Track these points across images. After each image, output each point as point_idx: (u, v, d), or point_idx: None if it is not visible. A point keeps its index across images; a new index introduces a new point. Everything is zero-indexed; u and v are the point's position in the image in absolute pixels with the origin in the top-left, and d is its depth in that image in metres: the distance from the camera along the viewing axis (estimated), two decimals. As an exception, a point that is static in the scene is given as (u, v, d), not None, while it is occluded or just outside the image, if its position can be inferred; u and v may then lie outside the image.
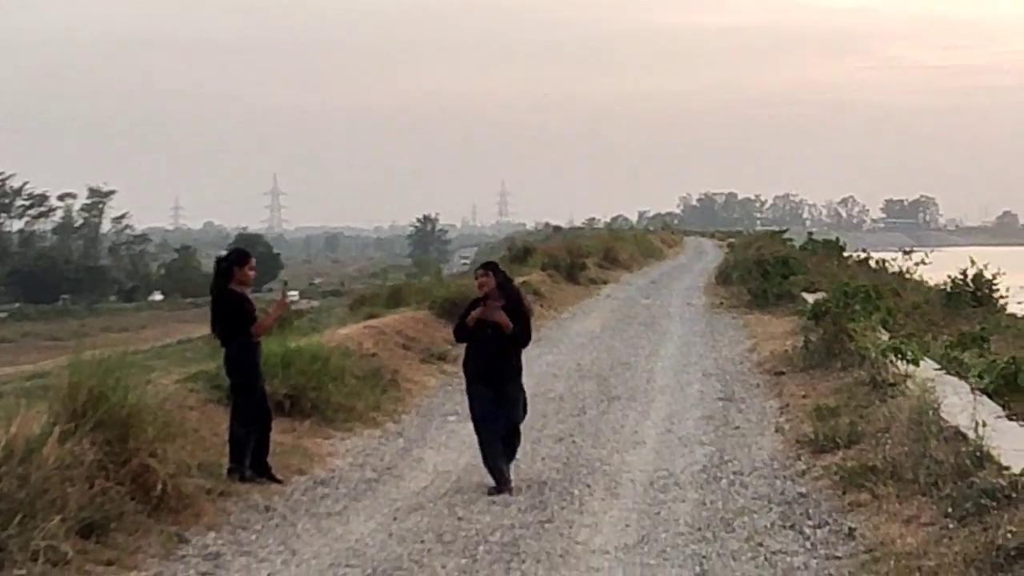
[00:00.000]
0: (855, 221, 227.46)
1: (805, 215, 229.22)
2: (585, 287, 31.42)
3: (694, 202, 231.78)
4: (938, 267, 25.40)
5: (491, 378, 9.58)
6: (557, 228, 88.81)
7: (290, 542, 7.99)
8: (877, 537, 7.56)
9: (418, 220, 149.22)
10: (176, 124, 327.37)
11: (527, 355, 9.99)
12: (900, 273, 27.46)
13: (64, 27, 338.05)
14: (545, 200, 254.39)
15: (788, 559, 7.47)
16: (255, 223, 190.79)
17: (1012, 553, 6.53)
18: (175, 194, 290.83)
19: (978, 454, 8.05)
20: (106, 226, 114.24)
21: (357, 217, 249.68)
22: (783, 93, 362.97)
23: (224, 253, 10.28)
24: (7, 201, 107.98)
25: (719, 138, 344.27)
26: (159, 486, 7.96)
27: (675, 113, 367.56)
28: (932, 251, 27.29)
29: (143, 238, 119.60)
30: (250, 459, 9.40)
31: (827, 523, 8.17)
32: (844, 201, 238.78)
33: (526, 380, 9.94)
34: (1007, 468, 7.70)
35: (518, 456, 9.85)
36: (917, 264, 26.55)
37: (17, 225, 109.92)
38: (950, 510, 7.49)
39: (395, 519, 8.57)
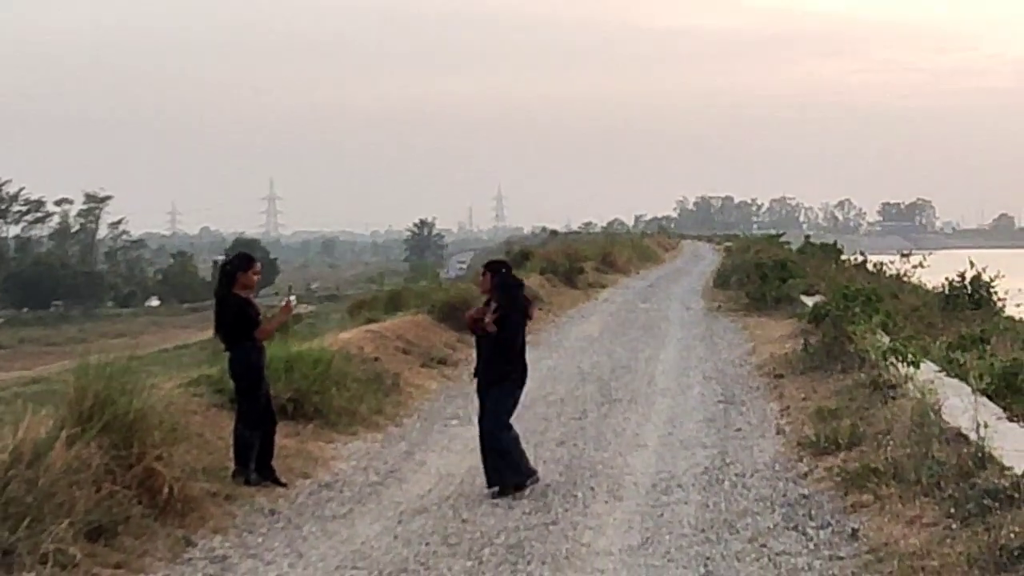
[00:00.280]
0: (851, 224, 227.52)
1: (801, 218, 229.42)
2: (583, 291, 31.47)
3: (690, 206, 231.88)
4: (935, 270, 25.41)
5: (479, 382, 9.67)
6: (554, 232, 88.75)
7: (296, 545, 8.03)
8: (880, 538, 7.60)
9: (414, 225, 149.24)
10: (173, 130, 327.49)
11: (527, 358, 10.01)
12: (898, 276, 27.52)
13: (60, 31, 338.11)
14: (541, 204, 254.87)
15: (792, 560, 7.51)
16: (251, 228, 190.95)
17: (1015, 553, 6.58)
18: (171, 199, 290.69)
19: (980, 455, 8.09)
20: (103, 231, 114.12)
21: (353, 222, 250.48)
22: (778, 96, 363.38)
23: (222, 258, 10.33)
24: (3, 207, 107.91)
25: (715, 141, 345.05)
26: (165, 490, 8.00)
27: (670, 116, 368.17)
28: (930, 254, 27.31)
29: (140, 243, 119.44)
30: (255, 463, 9.43)
31: (830, 524, 8.21)
32: (840, 204, 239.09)
33: (527, 382, 9.95)
34: (1009, 469, 7.75)
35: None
36: (915, 267, 26.60)
37: (13, 231, 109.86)
38: (953, 511, 7.54)
39: (400, 522, 8.61)
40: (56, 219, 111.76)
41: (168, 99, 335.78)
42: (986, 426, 8.37)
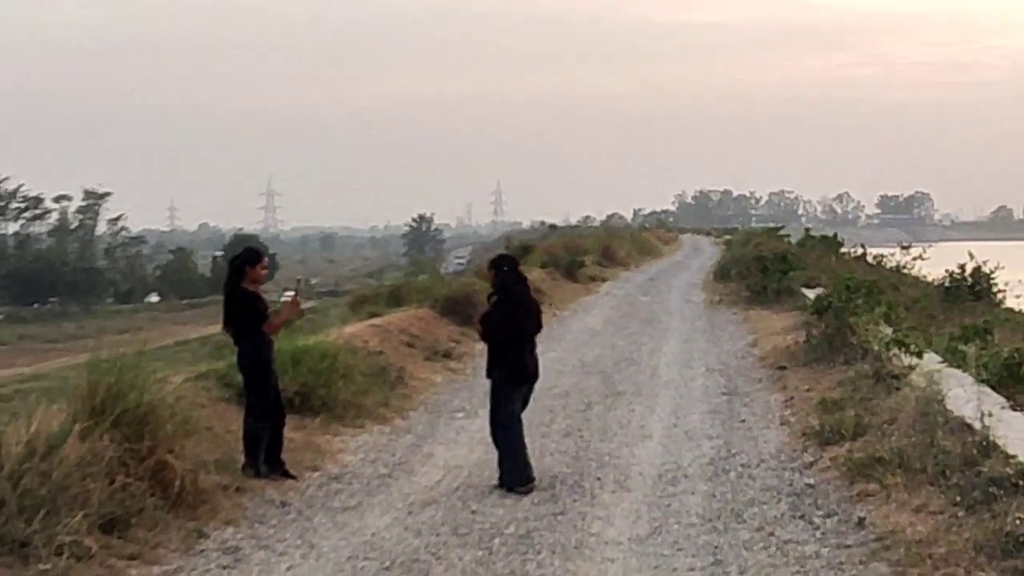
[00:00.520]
0: (850, 217, 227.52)
1: (800, 211, 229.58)
2: (584, 285, 31.57)
3: (689, 199, 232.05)
4: (934, 262, 25.50)
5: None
6: (553, 227, 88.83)
7: (307, 536, 8.10)
8: (887, 526, 7.67)
9: (413, 220, 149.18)
10: (171, 126, 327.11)
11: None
12: (898, 268, 27.60)
13: (60, 30, 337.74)
14: (540, 199, 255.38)
15: (800, 548, 7.58)
16: (250, 224, 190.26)
17: (1021, 540, 6.67)
18: (170, 196, 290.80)
19: (984, 444, 8.17)
20: (102, 228, 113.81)
21: (352, 217, 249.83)
22: (776, 90, 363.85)
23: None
24: (2, 204, 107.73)
25: (713, 135, 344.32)
26: (177, 482, 8.07)
27: (669, 110, 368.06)
28: (930, 246, 27.39)
29: (139, 240, 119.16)
30: (264, 455, 9.49)
31: (836, 513, 8.28)
32: (839, 197, 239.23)
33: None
34: (1013, 457, 7.82)
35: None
36: (915, 259, 26.70)
37: (12, 228, 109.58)
38: (958, 499, 7.62)
39: (410, 513, 8.68)
40: (55, 216, 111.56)
41: (167, 95, 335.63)
42: (990, 415, 8.46)
